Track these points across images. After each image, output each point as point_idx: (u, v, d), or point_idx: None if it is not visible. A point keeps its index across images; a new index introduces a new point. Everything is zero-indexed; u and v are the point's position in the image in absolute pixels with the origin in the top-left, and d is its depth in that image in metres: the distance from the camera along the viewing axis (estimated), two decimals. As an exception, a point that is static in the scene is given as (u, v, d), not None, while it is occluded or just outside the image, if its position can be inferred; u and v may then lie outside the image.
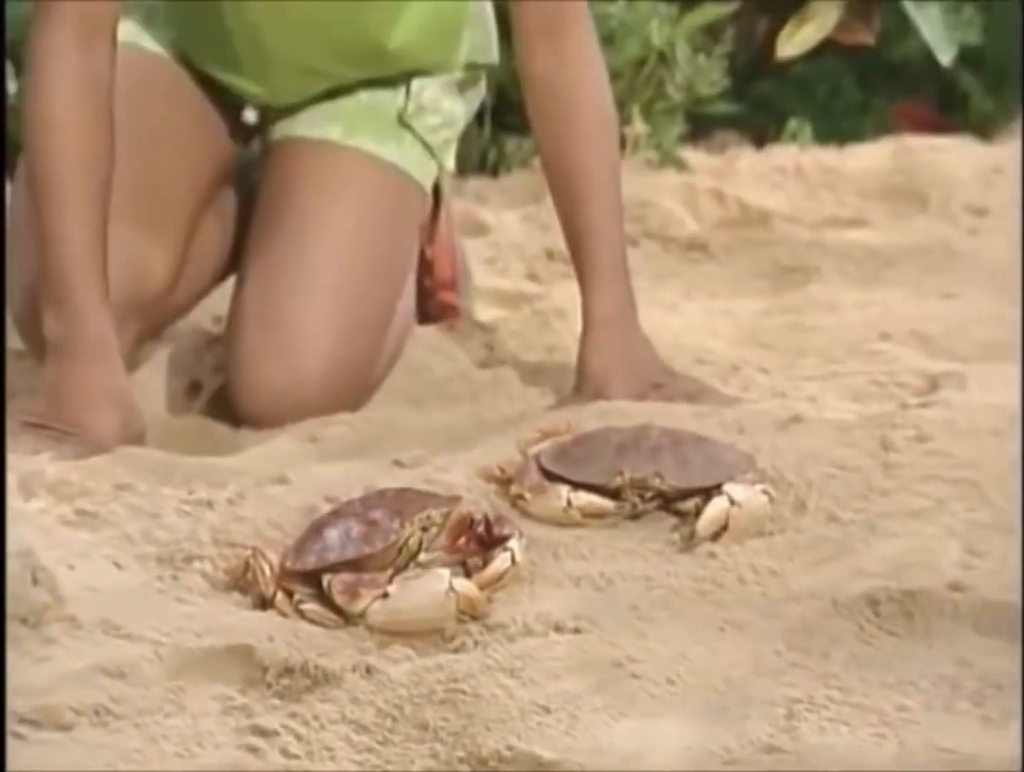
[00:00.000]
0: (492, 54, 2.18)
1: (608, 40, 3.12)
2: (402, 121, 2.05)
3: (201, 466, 1.75)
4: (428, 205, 2.17)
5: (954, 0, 3.37)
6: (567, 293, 2.44)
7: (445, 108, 2.10)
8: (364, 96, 2.05)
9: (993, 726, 1.24)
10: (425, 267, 2.25)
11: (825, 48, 3.35)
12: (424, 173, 2.09)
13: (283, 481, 1.65)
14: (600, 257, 1.95)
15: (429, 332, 2.30)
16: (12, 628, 1.30)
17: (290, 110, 2.06)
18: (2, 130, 2.14)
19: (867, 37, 3.36)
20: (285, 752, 1.17)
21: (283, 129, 2.07)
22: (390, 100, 2.05)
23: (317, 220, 1.98)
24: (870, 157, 3.32)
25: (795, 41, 3.29)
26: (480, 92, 2.22)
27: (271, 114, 2.09)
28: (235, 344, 1.95)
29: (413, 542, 1.40)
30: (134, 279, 1.86)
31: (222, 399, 2.08)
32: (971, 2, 3.39)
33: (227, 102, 2.06)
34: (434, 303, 2.31)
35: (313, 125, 2.04)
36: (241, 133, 2.13)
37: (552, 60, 1.92)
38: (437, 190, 2.19)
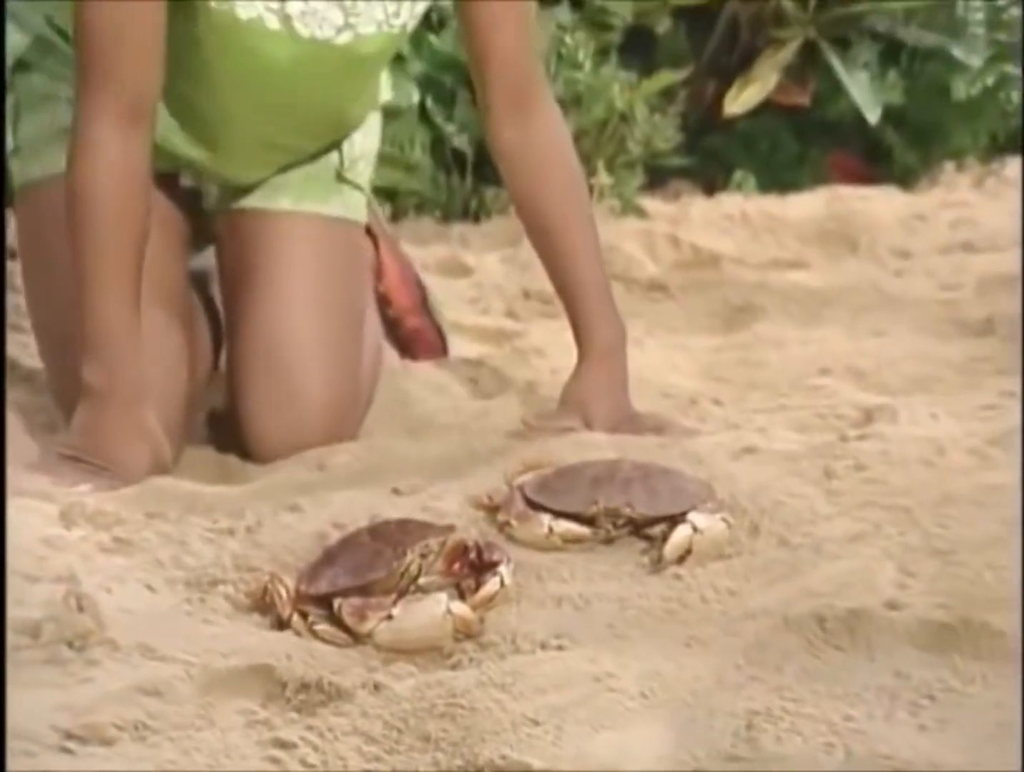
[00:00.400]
0: (388, 92, 2.16)
1: (576, 102, 3.13)
2: (340, 177, 2.03)
3: (222, 495, 1.74)
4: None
5: (879, 66, 3.38)
6: (544, 331, 2.45)
7: (368, 150, 2.08)
8: (306, 163, 2.01)
9: (928, 734, 1.23)
10: (383, 301, 2.23)
11: (766, 107, 3.37)
12: (361, 212, 2.08)
13: (296, 509, 1.63)
14: (591, 301, 1.92)
15: (421, 367, 2.29)
16: (59, 651, 1.29)
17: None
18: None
19: (803, 98, 3.38)
20: (303, 762, 1.16)
21: (235, 200, 2.01)
22: (327, 161, 2.02)
23: (289, 284, 1.96)
24: (807, 205, 3.32)
25: (739, 101, 3.31)
26: (378, 114, 2.16)
27: (227, 189, 2.03)
28: (242, 399, 1.94)
29: (414, 568, 1.39)
30: (171, 388, 1.85)
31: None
32: (894, 68, 3.41)
33: (188, 188, 2.00)
34: (403, 331, 2.29)
35: (265, 197, 1.99)
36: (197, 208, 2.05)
37: (520, 132, 1.89)
38: (371, 230, 2.17)
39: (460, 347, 2.40)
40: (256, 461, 1.92)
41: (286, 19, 1.74)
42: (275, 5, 1.73)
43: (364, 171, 2.08)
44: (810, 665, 1.33)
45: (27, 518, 1.55)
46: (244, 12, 1.72)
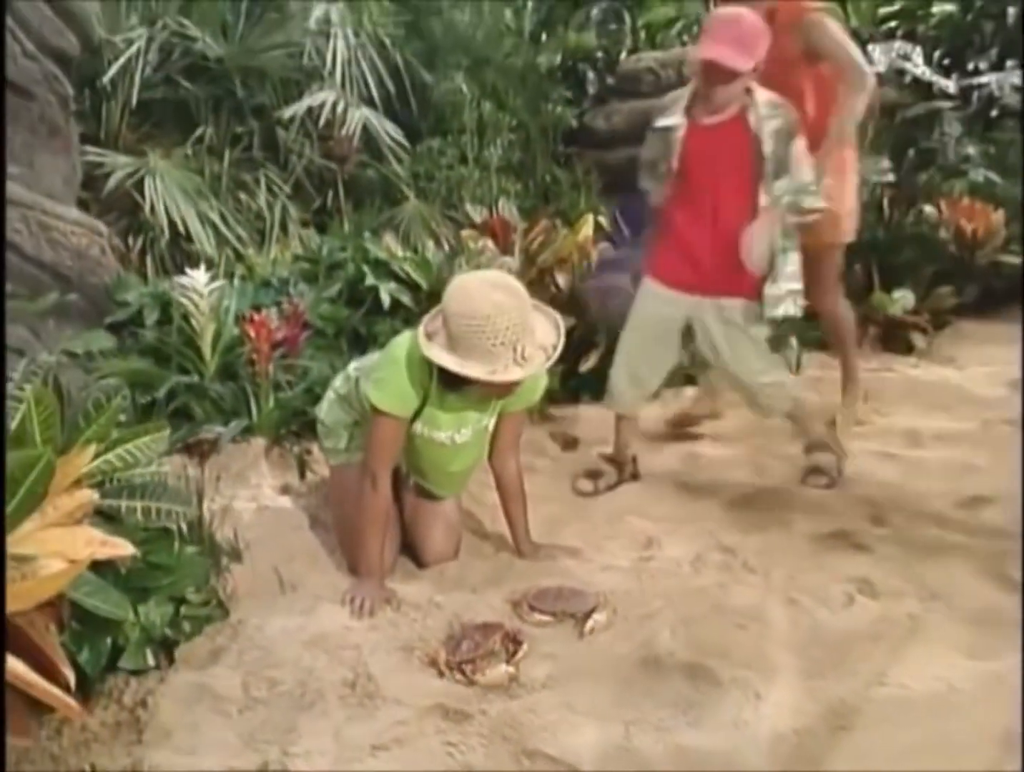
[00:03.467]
0: None
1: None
2: None
3: (410, 593, 1.58)
4: None
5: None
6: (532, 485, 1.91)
7: None
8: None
9: (693, 728, 1.21)
10: None
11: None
12: None
13: (438, 606, 1.54)
14: (523, 527, 1.79)
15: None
16: (364, 700, 1.24)
17: None
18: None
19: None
20: (461, 752, 1.17)
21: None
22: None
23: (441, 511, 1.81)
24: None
25: (585, 368, 3.23)
26: None
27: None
28: (421, 541, 1.77)
29: (491, 648, 1.38)
30: (391, 542, 1.72)
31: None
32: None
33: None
34: None
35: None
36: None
37: (512, 464, 1.73)
38: None
39: (491, 497, 1.88)
40: (422, 566, 1.76)
41: (453, 440, 1.67)
42: (449, 437, 1.65)
43: None
44: (644, 688, 1.31)
45: (337, 617, 1.51)
46: (438, 438, 1.65)
